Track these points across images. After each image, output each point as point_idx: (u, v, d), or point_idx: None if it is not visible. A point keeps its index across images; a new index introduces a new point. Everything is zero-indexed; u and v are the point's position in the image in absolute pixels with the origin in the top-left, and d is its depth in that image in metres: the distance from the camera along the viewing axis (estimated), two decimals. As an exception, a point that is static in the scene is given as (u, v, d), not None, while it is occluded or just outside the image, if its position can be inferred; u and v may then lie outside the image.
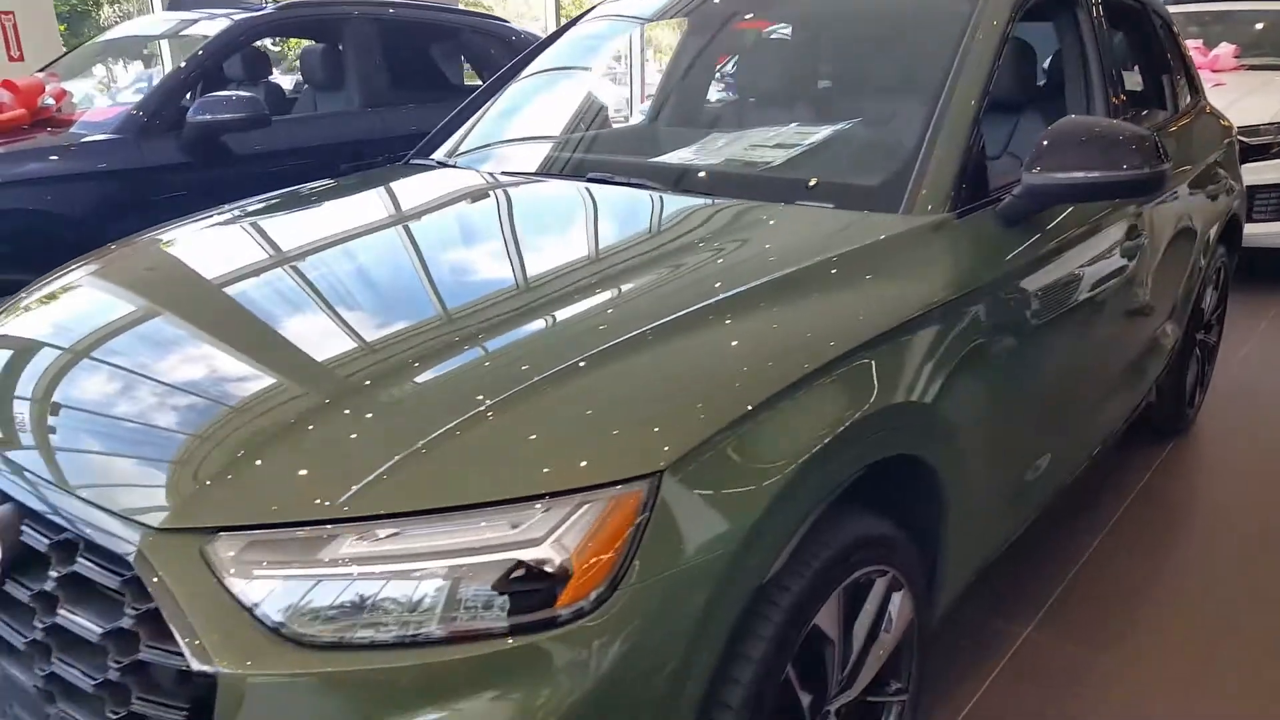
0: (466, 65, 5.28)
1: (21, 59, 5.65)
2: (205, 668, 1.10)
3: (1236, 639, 2.38)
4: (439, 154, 2.56)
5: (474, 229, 2.00)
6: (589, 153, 2.48)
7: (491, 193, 2.14)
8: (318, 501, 1.16)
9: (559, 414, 1.24)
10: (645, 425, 1.23)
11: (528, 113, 2.69)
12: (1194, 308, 3.19)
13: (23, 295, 1.93)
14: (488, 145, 2.56)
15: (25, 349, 1.64)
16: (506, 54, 5.03)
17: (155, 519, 1.18)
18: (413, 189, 2.29)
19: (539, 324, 1.44)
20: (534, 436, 1.21)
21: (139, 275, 1.95)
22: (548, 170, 2.33)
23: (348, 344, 1.48)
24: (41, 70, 4.57)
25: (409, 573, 1.13)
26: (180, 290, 1.81)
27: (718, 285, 1.51)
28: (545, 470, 1.17)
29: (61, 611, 1.22)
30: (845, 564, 1.45)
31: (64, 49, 5.63)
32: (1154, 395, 3.15)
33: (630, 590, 1.15)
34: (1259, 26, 6.51)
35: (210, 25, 4.12)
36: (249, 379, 1.40)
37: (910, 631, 1.69)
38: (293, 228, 2.13)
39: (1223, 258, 3.48)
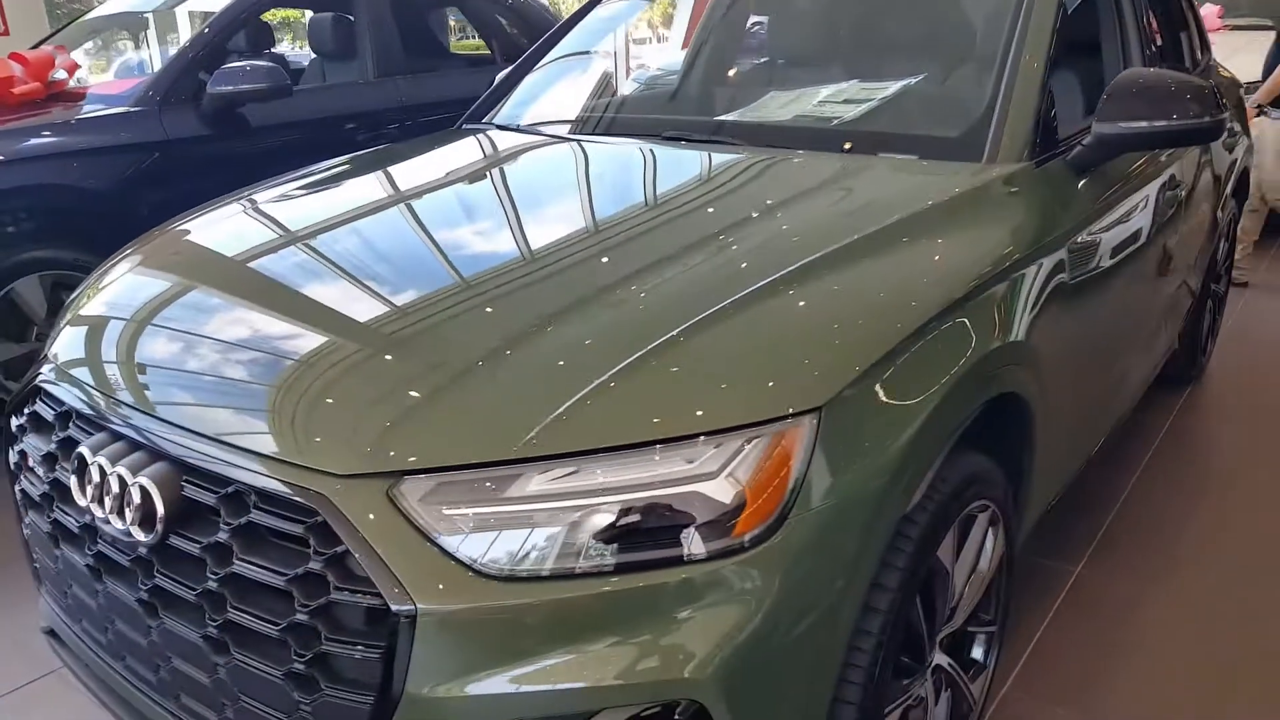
0: (468, 33, 5.24)
1: (7, 34, 5.51)
2: (404, 606, 1.14)
3: (1270, 560, 2.51)
4: (498, 118, 2.57)
5: (584, 188, 2.01)
6: (654, 113, 2.51)
7: (583, 154, 2.17)
8: (501, 442, 1.20)
9: (721, 355, 1.30)
10: (803, 364, 1.29)
11: (581, 76, 2.71)
12: (1210, 257, 3.30)
13: (129, 258, 1.91)
14: (549, 109, 2.58)
15: (178, 307, 1.65)
16: (512, 18, 5.01)
17: (341, 466, 1.21)
18: (499, 152, 2.30)
19: (685, 271, 1.49)
20: (701, 376, 1.26)
21: (269, 233, 1.94)
22: (622, 131, 2.35)
23: (510, 293, 1.51)
24: (36, 45, 4.48)
25: (592, 507, 1.18)
26: (320, 244, 1.82)
27: (840, 232, 1.57)
28: (715, 408, 1.22)
29: (239, 560, 1.26)
30: (960, 499, 1.52)
31: (48, 24, 5.51)
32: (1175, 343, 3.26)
33: (797, 520, 1.21)
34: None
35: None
36: (419, 326, 1.43)
37: (1002, 564, 1.77)
38: (406, 187, 2.14)
39: (1233, 209, 3.59)
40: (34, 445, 1.61)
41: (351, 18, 4.34)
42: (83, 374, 1.56)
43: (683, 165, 2.03)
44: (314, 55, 4.66)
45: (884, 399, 1.32)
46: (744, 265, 1.50)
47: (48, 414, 1.60)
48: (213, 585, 1.28)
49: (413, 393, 1.27)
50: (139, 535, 1.34)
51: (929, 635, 1.58)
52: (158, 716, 1.48)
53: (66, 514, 1.51)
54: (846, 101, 2.19)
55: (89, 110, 3.59)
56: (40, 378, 1.65)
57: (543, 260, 1.62)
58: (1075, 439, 2.10)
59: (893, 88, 2.22)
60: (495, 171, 2.16)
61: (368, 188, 2.16)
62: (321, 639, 1.20)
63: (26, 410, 1.66)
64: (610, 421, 1.21)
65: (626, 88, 2.70)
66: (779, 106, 2.31)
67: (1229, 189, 3.32)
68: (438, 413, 1.25)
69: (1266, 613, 2.32)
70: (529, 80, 2.69)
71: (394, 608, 1.14)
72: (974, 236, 1.65)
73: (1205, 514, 2.77)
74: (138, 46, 5.25)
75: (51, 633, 1.78)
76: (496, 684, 1.16)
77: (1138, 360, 2.53)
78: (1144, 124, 1.91)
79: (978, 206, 1.72)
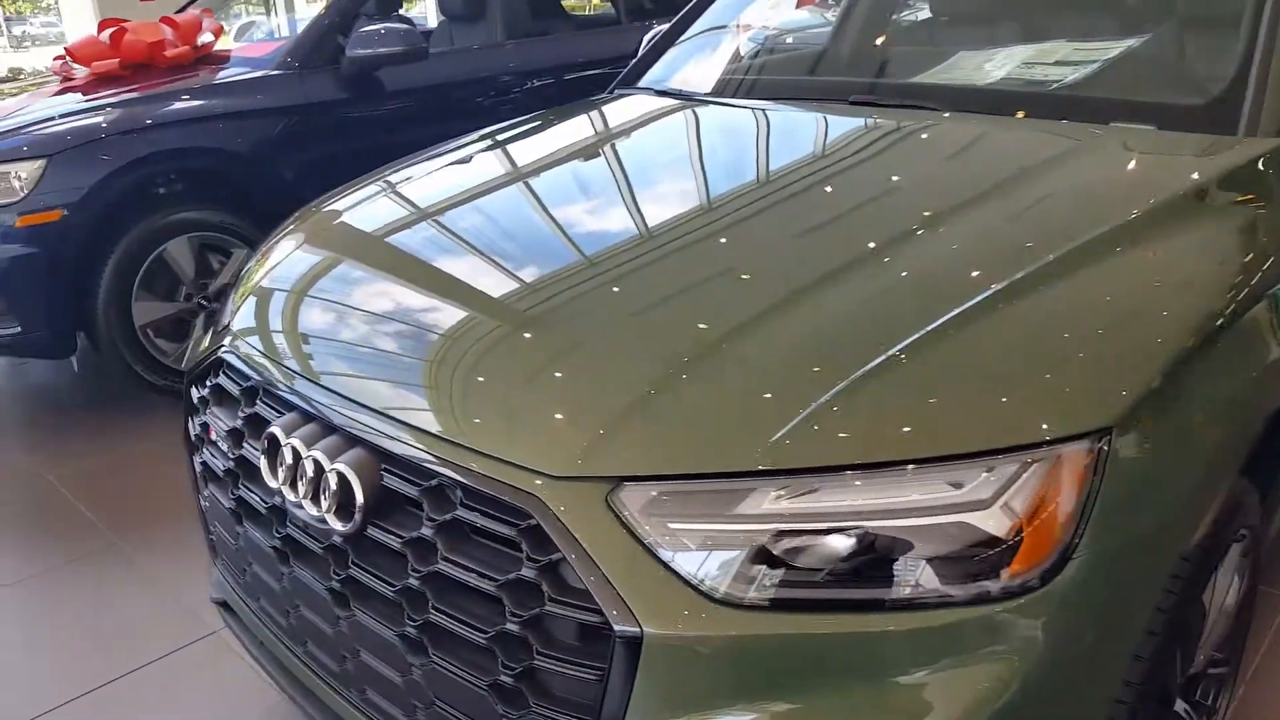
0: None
1: (152, -1, 5.60)
2: (628, 628, 1.03)
3: None
4: (662, 83, 2.43)
5: (786, 162, 1.84)
6: (829, 74, 2.34)
7: (771, 123, 2.01)
8: (734, 452, 1.07)
9: (986, 360, 1.14)
10: (1087, 376, 1.12)
11: (744, 36, 2.55)
12: None
13: (305, 231, 1.85)
14: (713, 71, 2.43)
15: (368, 288, 1.58)
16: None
17: (555, 467, 1.11)
18: (678, 121, 2.15)
19: (925, 257, 1.33)
20: (965, 386, 1.11)
21: (451, 208, 1.84)
22: (802, 95, 2.19)
23: (731, 279, 1.38)
24: (181, 9, 4.52)
25: (838, 532, 1.05)
26: (509, 224, 1.72)
27: (1093, 219, 1.38)
28: (985, 424, 1.07)
29: (444, 559, 1.17)
30: (1230, 528, 1.34)
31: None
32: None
33: (1081, 560, 1.05)
34: None
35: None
36: (637, 316, 1.32)
37: (1247, 599, 1.58)
38: (589, 161, 2.02)
39: None
40: (218, 419, 1.56)
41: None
42: (273, 352, 1.50)
43: (888, 135, 1.84)
44: (441, 18, 4.59)
45: (1176, 418, 1.14)
46: (990, 253, 1.33)
47: (233, 388, 1.55)
48: (414, 582, 1.20)
49: (634, 390, 1.15)
50: (334, 523, 1.27)
51: (1178, 683, 1.40)
52: (337, 705, 1.43)
53: (253, 493, 1.46)
54: (1058, 63, 1.98)
55: (233, 74, 3.60)
56: (223, 350, 1.60)
57: (760, 242, 1.48)
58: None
59: (1114, 47, 1.98)
60: (681, 143, 2.02)
61: (548, 160, 2.05)
62: (533, 652, 1.11)
63: (209, 382, 1.62)
64: (860, 434, 1.08)
65: (793, 48, 2.52)
66: (974, 68, 2.10)
67: None
68: (662, 414, 1.13)
69: None
70: (689, 41, 2.54)
71: (617, 629, 1.04)
72: (1247, 225, 1.44)
73: None
74: (269, 11, 5.26)
75: (224, 605, 1.76)
76: None
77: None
78: None
79: (1246, 189, 1.51)
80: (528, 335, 1.32)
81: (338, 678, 1.40)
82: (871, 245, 1.36)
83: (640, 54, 2.59)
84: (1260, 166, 1.56)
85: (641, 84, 2.51)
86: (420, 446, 1.21)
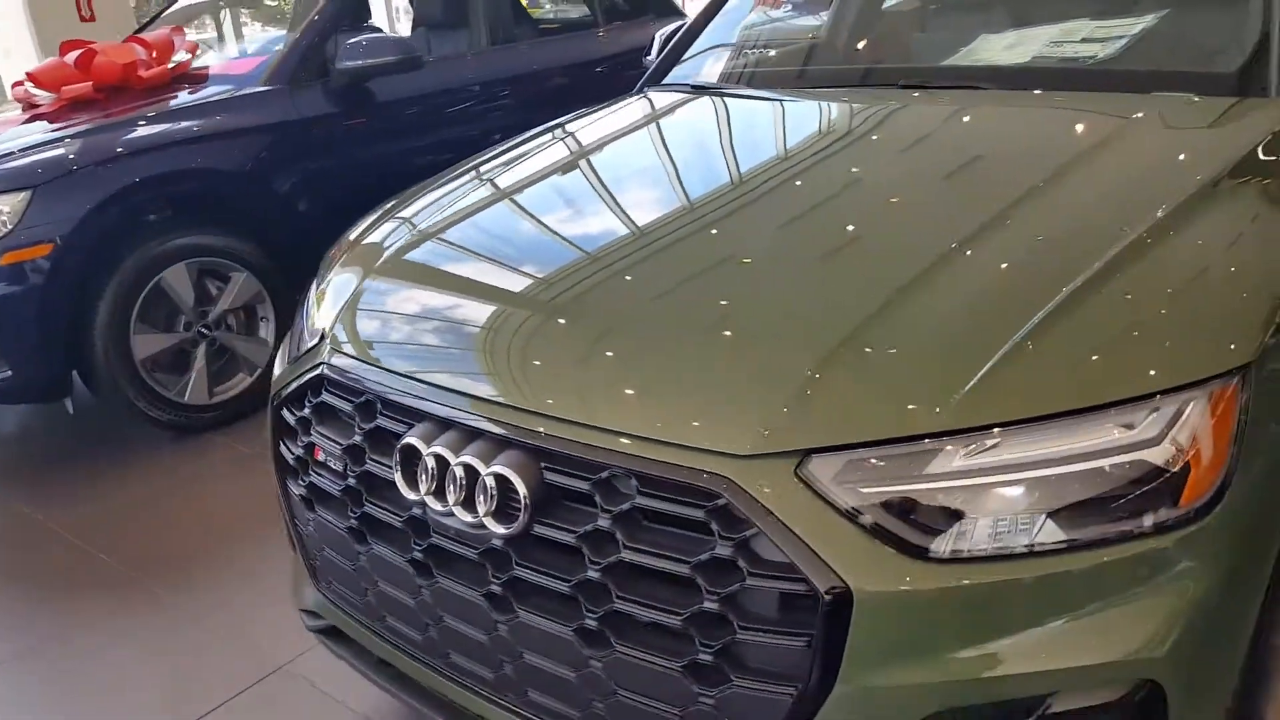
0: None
1: (93, 19, 5.45)
2: (837, 590, 1.07)
3: None
4: (691, 78, 2.47)
5: (879, 145, 1.89)
6: (891, 58, 2.42)
7: (850, 110, 2.06)
8: (915, 415, 1.12)
9: (1130, 311, 1.20)
10: (1219, 318, 1.20)
11: (769, 27, 2.60)
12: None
13: (389, 232, 1.86)
14: (751, 65, 2.49)
15: (492, 279, 1.60)
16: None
17: (741, 447, 1.14)
18: (748, 115, 2.21)
19: (1046, 221, 1.39)
20: (1119, 334, 1.17)
21: (555, 197, 1.89)
22: (857, 81, 2.28)
23: (873, 252, 1.44)
24: (140, 29, 4.42)
25: (1025, 481, 1.10)
26: (627, 211, 1.77)
27: (1182, 178, 1.46)
28: (1145, 368, 1.13)
29: (627, 548, 1.19)
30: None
31: (134, 8, 5.44)
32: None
33: (1236, 488, 1.13)
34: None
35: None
36: (791, 292, 1.35)
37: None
38: (685, 153, 2.07)
39: None
40: (327, 438, 1.55)
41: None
42: (395, 363, 1.49)
43: (960, 114, 1.92)
44: (418, 27, 4.56)
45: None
46: (1106, 215, 1.40)
47: (343, 405, 1.53)
48: (594, 575, 1.21)
49: (809, 364, 1.18)
50: (494, 527, 1.28)
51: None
52: (485, 711, 1.43)
53: (383, 508, 1.45)
54: (1085, 40, 2.07)
55: (218, 93, 3.53)
56: (326, 368, 1.58)
57: (892, 215, 1.54)
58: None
59: (1139, 24, 2.08)
60: (771, 133, 2.06)
61: (630, 153, 2.10)
62: (734, 628, 1.13)
63: (310, 402, 1.60)
64: (1032, 387, 1.13)
65: (823, 36, 2.59)
66: (1005, 48, 2.19)
67: None
68: (840, 384, 1.16)
69: None
70: (712, 37, 2.59)
71: (826, 590, 1.07)
72: None
73: None
74: (218, 30, 5.16)
75: (326, 630, 1.74)
76: (937, 671, 1.09)
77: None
78: None
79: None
80: (687, 319, 1.34)
81: (491, 684, 1.40)
82: (997, 212, 1.42)
83: (662, 53, 2.62)
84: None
85: (669, 81, 2.54)
86: (591, 442, 1.22)
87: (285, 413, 1.66)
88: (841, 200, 1.63)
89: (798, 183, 1.74)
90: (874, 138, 1.90)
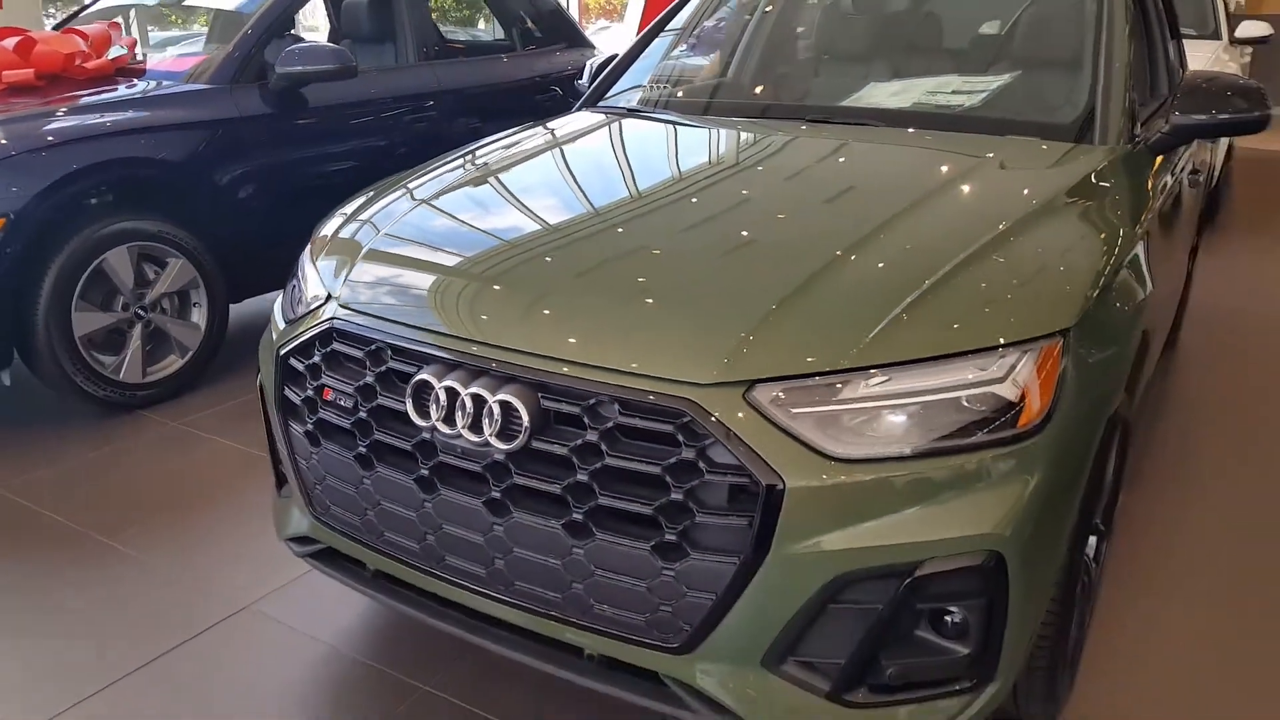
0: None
1: (0, 7, 5.42)
2: (775, 483, 1.45)
3: (1244, 471, 3.02)
4: (625, 99, 2.86)
5: (808, 160, 2.35)
6: (792, 97, 2.90)
7: (780, 136, 2.50)
8: (833, 356, 1.51)
9: (990, 285, 1.64)
10: (1053, 292, 1.65)
11: (699, 60, 3.02)
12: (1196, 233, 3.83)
13: (395, 196, 2.22)
14: (677, 94, 2.90)
15: (492, 237, 1.97)
16: (529, 9, 5.24)
17: (704, 378, 1.51)
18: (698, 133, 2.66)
19: (932, 219, 1.85)
20: (980, 302, 1.61)
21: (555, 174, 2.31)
22: (771, 113, 2.74)
23: (803, 235, 1.86)
24: (64, 22, 4.49)
25: (911, 405, 1.51)
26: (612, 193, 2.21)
27: (1033, 188, 1.98)
28: (996, 328, 1.56)
29: (610, 456, 1.54)
30: (1117, 415, 1.90)
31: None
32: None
33: (1061, 413, 1.56)
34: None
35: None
36: (744, 260, 1.75)
37: (1120, 472, 2.18)
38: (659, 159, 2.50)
39: (1206, 192, 4.15)
40: (339, 381, 1.83)
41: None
42: (405, 316, 1.79)
43: (866, 140, 2.40)
44: (340, 39, 4.79)
45: (1104, 321, 1.69)
46: (977, 211, 1.87)
47: (354, 352, 1.82)
48: (583, 478, 1.55)
49: (756, 315, 1.57)
50: (498, 445, 1.60)
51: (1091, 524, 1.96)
52: (473, 602, 1.74)
53: (393, 435, 1.74)
54: (955, 92, 2.57)
55: (161, 87, 3.69)
56: (337, 320, 1.86)
57: (820, 203, 1.99)
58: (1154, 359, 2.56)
59: (994, 83, 2.60)
60: (698, 147, 2.53)
61: (592, 151, 2.55)
62: (694, 514, 1.49)
63: (319, 351, 1.88)
64: (914, 340, 1.54)
65: (738, 73, 3.05)
66: (890, 95, 2.67)
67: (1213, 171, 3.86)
68: (776, 335, 1.55)
69: (1262, 514, 2.83)
70: (641, 68, 2.99)
71: (767, 485, 1.45)
72: (1119, 198, 2.05)
73: (1207, 443, 3.28)
74: (125, 29, 5.25)
75: (320, 553, 2.01)
76: (840, 539, 1.47)
77: (1173, 296, 3.03)
78: (1208, 117, 2.34)
79: (1108, 176, 2.12)
80: (663, 282, 1.71)
81: (482, 580, 1.71)
82: (888, 216, 1.85)
83: (595, 79, 3.00)
84: (1113, 162, 2.19)
85: (611, 103, 2.92)
86: (583, 376, 1.56)
87: (293, 361, 1.92)
88: (773, 200, 2.05)
89: (739, 187, 2.18)
90: (792, 156, 2.34)
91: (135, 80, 3.79)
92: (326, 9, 5.32)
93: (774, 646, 1.53)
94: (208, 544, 2.69)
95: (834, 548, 1.48)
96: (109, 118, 3.42)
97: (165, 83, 3.75)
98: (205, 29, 5.37)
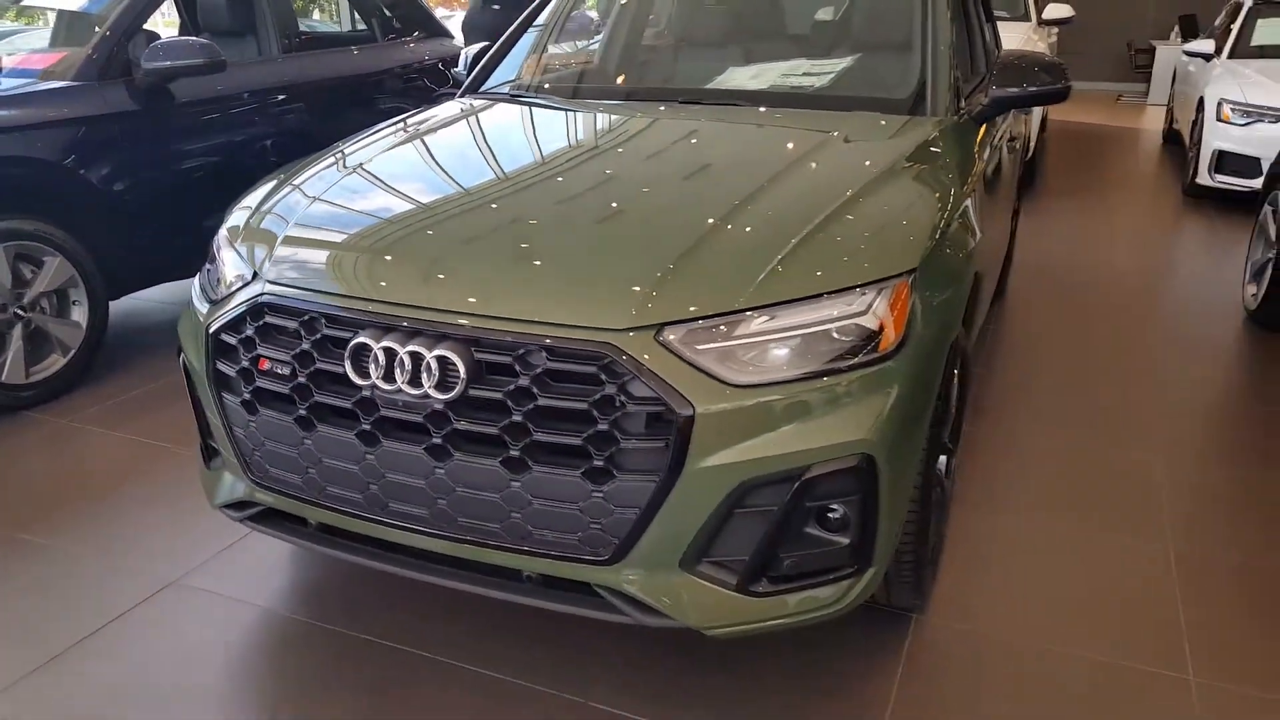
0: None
1: None
2: (686, 411, 1.71)
3: (1067, 398, 3.52)
4: (503, 87, 3.06)
5: (687, 134, 2.61)
6: (660, 81, 3.18)
7: (658, 116, 2.76)
8: (728, 301, 1.78)
9: (850, 237, 1.95)
10: (901, 241, 1.97)
11: (572, 48, 3.24)
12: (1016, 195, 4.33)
13: (308, 180, 2.35)
14: (557, 77, 3.12)
15: (410, 209, 2.15)
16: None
17: (620, 324, 1.75)
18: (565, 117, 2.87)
19: (799, 184, 2.14)
20: (843, 251, 1.91)
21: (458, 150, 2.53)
22: (646, 97, 2.99)
23: (688, 202, 2.12)
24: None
25: (793, 338, 1.79)
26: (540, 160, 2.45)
27: (883, 158, 2.29)
28: (857, 271, 1.86)
29: (542, 396, 1.76)
30: (956, 347, 2.26)
31: None
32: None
33: (913, 341, 1.88)
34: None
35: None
36: (645, 230, 2.00)
37: (963, 400, 2.56)
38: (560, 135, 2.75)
39: (1023, 160, 4.68)
40: (274, 350, 1.97)
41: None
42: (334, 286, 1.95)
43: (732, 118, 2.69)
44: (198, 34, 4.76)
45: (942, 263, 2.03)
46: (833, 176, 2.17)
47: (288, 324, 1.97)
48: (518, 419, 1.77)
49: (660, 268, 1.82)
50: (437, 395, 1.80)
51: (943, 442, 2.31)
52: (417, 541, 1.93)
53: (333, 395, 1.91)
54: (806, 74, 2.89)
55: (23, 85, 3.63)
56: (265, 296, 2.00)
57: (702, 175, 2.26)
58: (986, 300, 2.96)
59: (839, 65, 2.94)
60: (585, 126, 2.77)
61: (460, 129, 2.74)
62: (618, 442, 1.74)
63: (252, 325, 2.01)
64: (792, 283, 1.83)
65: (608, 60, 3.30)
66: (748, 78, 2.97)
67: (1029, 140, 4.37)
68: (680, 284, 1.81)
69: (1082, 436, 3.31)
70: (536, 56, 3.20)
71: (679, 412, 1.71)
72: (949, 161, 2.41)
73: (1035, 379, 3.76)
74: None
75: (261, 515, 2.15)
76: (740, 453, 1.74)
77: (1000, 257, 3.46)
78: (1020, 89, 2.75)
79: (940, 143, 2.48)
80: (578, 243, 1.95)
81: (425, 520, 1.90)
82: (762, 183, 2.14)
83: (475, 68, 3.18)
84: (943, 131, 2.55)
85: (491, 89, 3.11)
86: (513, 329, 1.78)
87: (224, 337, 2.05)
88: (660, 170, 2.31)
89: (638, 154, 2.43)
90: (672, 132, 2.60)
91: (-7, 77, 3.70)
92: (176, 4, 5.24)
93: (690, 550, 1.80)
94: (123, 529, 2.75)
95: (736, 460, 1.75)
96: (-25, 116, 3.35)
97: (26, 80, 3.68)
98: (42, 27, 5.23)
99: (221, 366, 2.07)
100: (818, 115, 2.69)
